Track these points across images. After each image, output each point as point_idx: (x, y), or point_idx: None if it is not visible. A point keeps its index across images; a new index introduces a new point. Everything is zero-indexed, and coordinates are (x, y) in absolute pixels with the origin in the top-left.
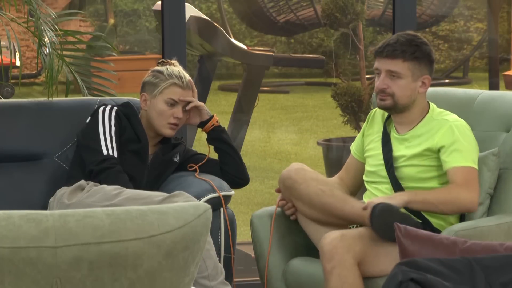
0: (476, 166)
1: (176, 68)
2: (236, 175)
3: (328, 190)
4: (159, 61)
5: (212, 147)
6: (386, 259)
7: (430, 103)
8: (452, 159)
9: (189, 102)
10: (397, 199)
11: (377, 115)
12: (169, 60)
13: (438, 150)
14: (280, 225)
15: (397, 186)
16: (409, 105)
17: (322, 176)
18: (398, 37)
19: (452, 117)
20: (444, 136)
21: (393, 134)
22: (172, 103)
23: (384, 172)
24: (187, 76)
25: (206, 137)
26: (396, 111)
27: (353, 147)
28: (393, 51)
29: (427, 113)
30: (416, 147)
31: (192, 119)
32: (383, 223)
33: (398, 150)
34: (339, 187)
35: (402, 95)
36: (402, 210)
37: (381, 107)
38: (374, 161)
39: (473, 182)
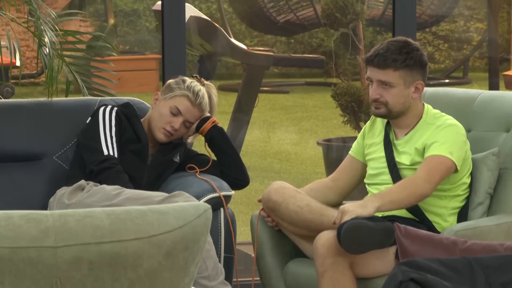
0: (451, 157)
1: (199, 86)
2: (236, 176)
3: (305, 206)
4: (194, 75)
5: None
6: (378, 261)
7: (426, 105)
8: (428, 152)
9: (193, 124)
10: (368, 208)
11: (378, 118)
12: (203, 79)
13: (424, 150)
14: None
15: None
16: (404, 111)
17: (301, 191)
18: (388, 45)
19: (445, 118)
20: (429, 136)
21: (393, 139)
22: (175, 113)
23: (387, 175)
24: (205, 99)
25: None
26: (391, 117)
27: (353, 146)
28: (384, 60)
29: (421, 117)
30: (411, 154)
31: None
32: (351, 241)
33: (398, 157)
34: (318, 195)
35: (396, 103)
36: (402, 212)
37: (376, 115)
38: (376, 164)
39: (435, 173)
